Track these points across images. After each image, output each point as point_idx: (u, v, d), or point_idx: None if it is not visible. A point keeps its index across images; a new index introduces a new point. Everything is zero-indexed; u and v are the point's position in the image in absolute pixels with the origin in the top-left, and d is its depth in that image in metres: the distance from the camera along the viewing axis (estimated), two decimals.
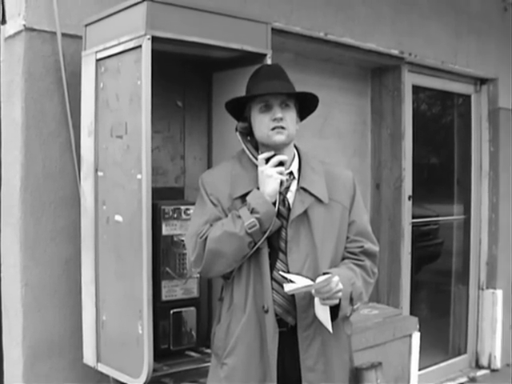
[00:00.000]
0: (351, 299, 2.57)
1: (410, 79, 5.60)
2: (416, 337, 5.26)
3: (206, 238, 2.56)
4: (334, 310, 2.54)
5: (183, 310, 3.25)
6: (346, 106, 5.42)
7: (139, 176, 2.84)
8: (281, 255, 2.62)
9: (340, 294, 2.49)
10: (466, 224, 6.60)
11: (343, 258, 2.72)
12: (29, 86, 3.33)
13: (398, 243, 5.42)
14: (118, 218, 2.99)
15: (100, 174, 3.12)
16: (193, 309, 3.28)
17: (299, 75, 4.91)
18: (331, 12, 4.75)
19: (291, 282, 2.49)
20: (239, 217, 2.53)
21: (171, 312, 3.21)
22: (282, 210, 2.61)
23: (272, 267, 2.60)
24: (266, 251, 2.59)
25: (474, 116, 6.57)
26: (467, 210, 6.59)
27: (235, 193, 2.63)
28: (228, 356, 2.66)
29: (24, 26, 3.29)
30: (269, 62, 3.17)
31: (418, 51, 5.46)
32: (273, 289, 2.58)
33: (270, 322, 2.58)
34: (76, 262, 3.35)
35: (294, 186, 2.66)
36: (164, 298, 3.19)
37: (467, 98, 6.56)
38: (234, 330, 2.65)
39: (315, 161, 2.78)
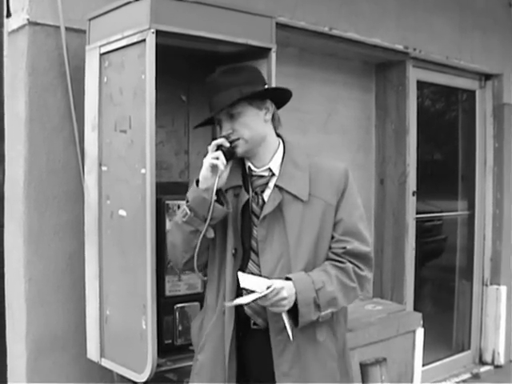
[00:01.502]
0: (318, 305, 2.43)
1: (414, 74, 5.58)
2: (420, 333, 5.26)
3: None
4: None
5: (187, 305, 3.24)
6: (351, 101, 5.41)
7: (143, 171, 2.83)
8: (253, 255, 2.57)
9: (285, 301, 2.37)
10: (470, 220, 6.59)
11: (328, 259, 2.56)
12: (32, 80, 3.33)
13: (402, 239, 5.41)
14: (122, 212, 2.99)
15: (104, 168, 3.11)
16: (197, 304, 3.27)
17: (303, 70, 4.93)
18: (336, 7, 4.74)
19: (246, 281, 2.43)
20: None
21: (175, 307, 3.20)
22: (255, 208, 2.58)
23: (244, 267, 2.56)
24: (229, 250, 2.57)
25: (479, 112, 6.55)
26: (471, 206, 6.58)
27: (225, 187, 2.60)
28: (199, 352, 2.68)
29: (28, 20, 3.29)
30: (273, 56, 3.17)
31: (422, 46, 5.45)
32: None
33: (227, 323, 2.56)
34: (80, 257, 3.34)
35: (272, 183, 2.58)
36: (168, 293, 3.17)
37: (472, 93, 6.55)
38: (205, 327, 2.66)
39: (301, 154, 2.65)
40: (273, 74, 3.18)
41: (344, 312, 2.68)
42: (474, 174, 6.53)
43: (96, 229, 3.15)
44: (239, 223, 2.59)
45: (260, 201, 2.58)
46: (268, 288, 2.34)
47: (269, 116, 2.61)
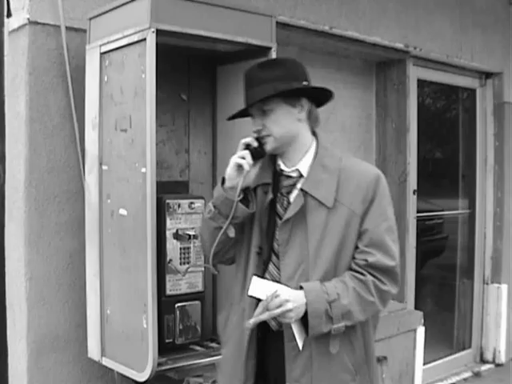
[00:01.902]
0: (330, 318, 2.33)
1: (415, 73, 5.59)
2: (421, 331, 5.26)
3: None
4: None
5: (188, 304, 3.25)
6: (351, 99, 5.41)
7: (144, 170, 2.83)
8: (274, 258, 2.50)
9: (291, 314, 2.30)
10: (471, 218, 6.59)
11: (350, 269, 2.44)
12: (33, 79, 3.33)
13: (403, 237, 5.39)
14: (123, 211, 2.99)
15: (104, 167, 3.11)
16: (197, 303, 3.28)
17: None
18: (336, 5, 4.74)
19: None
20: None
21: (176, 306, 3.21)
22: (279, 209, 2.50)
23: (265, 269, 2.52)
24: (254, 249, 2.53)
25: (479, 110, 6.55)
26: (472, 205, 6.58)
27: (254, 184, 2.55)
28: (223, 347, 2.68)
29: (28, 19, 3.29)
30: (274, 55, 3.16)
31: (423, 45, 5.45)
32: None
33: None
34: (80, 256, 3.35)
35: (299, 185, 2.48)
36: (168, 291, 3.18)
37: (472, 92, 6.54)
38: (231, 321, 2.64)
39: (332, 156, 2.52)
40: None
41: (366, 324, 2.55)
42: (475, 173, 6.52)
43: (97, 228, 3.16)
44: (265, 222, 2.53)
45: (285, 202, 2.50)
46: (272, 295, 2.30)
47: (303, 114, 2.51)
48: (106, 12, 3.08)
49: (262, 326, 2.48)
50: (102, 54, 3.09)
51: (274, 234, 2.51)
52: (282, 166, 2.54)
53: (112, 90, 3.05)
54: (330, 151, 2.54)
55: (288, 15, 4.36)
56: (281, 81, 2.45)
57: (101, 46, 3.08)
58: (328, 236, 2.42)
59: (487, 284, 6.53)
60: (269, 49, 3.17)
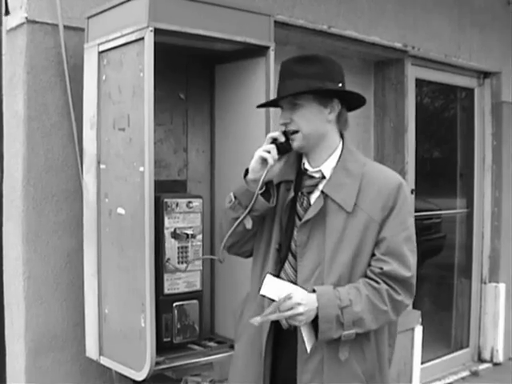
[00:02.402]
0: (341, 323, 2.31)
1: (413, 72, 5.59)
2: (418, 330, 5.26)
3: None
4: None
5: (186, 303, 3.24)
6: None
7: (141, 169, 2.83)
8: (290, 257, 2.49)
9: (301, 317, 2.28)
10: (469, 218, 6.59)
11: (365, 276, 2.42)
12: (31, 78, 3.32)
13: None
14: (121, 210, 2.99)
15: (102, 166, 3.11)
16: (195, 302, 3.27)
17: None
18: (334, 5, 4.74)
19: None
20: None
21: (174, 305, 3.20)
22: (299, 209, 2.48)
23: (281, 268, 2.51)
24: (273, 245, 2.52)
25: (477, 110, 6.55)
26: (470, 204, 6.59)
27: (277, 180, 2.55)
28: (236, 342, 2.67)
29: (26, 18, 3.28)
30: (271, 54, 3.16)
31: (421, 44, 5.45)
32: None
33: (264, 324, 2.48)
34: (78, 255, 3.35)
35: (321, 186, 2.46)
36: (166, 290, 3.17)
37: (470, 91, 6.55)
38: (245, 316, 2.60)
39: (356, 161, 2.50)
40: (271, 72, 3.17)
41: (381, 331, 2.53)
42: (473, 172, 6.53)
43: (95, 227, 3.15)
44: (285, 220, 2.52)
45: (305, 202, 2.48)
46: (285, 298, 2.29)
47: (333, 116, 2.49)
48: (104, 11, 3.08)
49: (275, 326, 2.48)
50: (100, 52, 3.08)
51: (292, 234, 2.50)
52: (307, 165, 2.54)
53: (110, 88, 3.04)
54: (354, 156, 2.53)
55: (286, 15, 4.36)
56: (315, 79, 2.45)
57: (99, 44, 3.08)
58: (345, 240, 2.40)
59: (485, 283, 6.53)
60: (267, 48, 3.17)
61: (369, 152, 5.58)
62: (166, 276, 3.16)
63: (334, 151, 2.51)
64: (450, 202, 6.61)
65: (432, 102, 6.74)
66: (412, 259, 2.44)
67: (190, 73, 3.61)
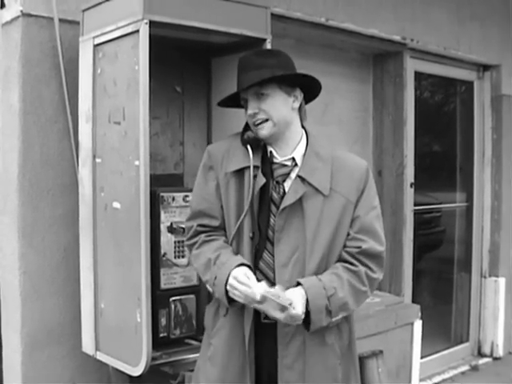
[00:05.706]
0: (329, 311, 2.41)
1: (412, 65, 5.57)
2: (418, 325, 5.24)
3: (191, 252, 2.67)
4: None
5: (182, 297, 3.24)
6: (348, 92, 5.39)
7: (137, 162, 2.81)
8: (268, 245, 2.52)
9: (298, 320, 2.37)
10: (469, 211, 6.58)
11: (339, 257, 2.52)
12: (26, 72, 3.31)
13: (400, 231, 5.39)
14: (116, 204, 2.97)
15: (98, 160, 3.09)
16: (192, 296, 3.27)
17: (300, 61, 4.82)
18: None
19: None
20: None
21: (170, 300, 3.20)
22: (275, 197, 2.52)
23: (259, 257, 2.54)
24: (247, 234, 2.52)
25: (477, 103, 6.53)
26: (469, 198, 6.57)
27: (228, 167, 2.56)
28: (214, 336, 2.64)
29: (21, 11, 3.27)
30: (268, 46, 3.14)
31: (420, 37, 5.42)
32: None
33: (246, 313, 2.52)
34: (74, 250, 3.33)
35: (294, 174, 2.53)
36: (163, 285, 3.17)
37: (470, 84, 6.52)
38: (222, 311, 2.61)
39: (324, 146, 2.61)
40: None
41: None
42: (473, 166, 6.51)
43: (90, 221, 3.14)
44: (256, 208, 2.54)
45: (281, 190, 2.53)
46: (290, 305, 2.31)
47: (296, 104, 2.56)
48: (100, 4, 3.06)
49: (254, 317, 2.51)
50: (95, 45, 3.06)
51: (268, 222, 2.53)
52: (275, 154, 2.57)
53: (105, 82, 3.03)
54: (319, 141, 2.64)
55: (284, 7, 4.33)
56: (278, 68, 2.52)
57: (94, 38, 3.06)
58: (324, 224, 2.48)
59: (485, 277, 6.52)
60: (264, 40, 3.15)
61: (367, 145, 5.57)
62: (162, 271, 3.16)
63: (301, 138, 2.60)
64: (449, 195, 6.60)
65: (431, 95, 6.72)
66: (383, 235, 2.60)
67: (186, 66, 3.59)
